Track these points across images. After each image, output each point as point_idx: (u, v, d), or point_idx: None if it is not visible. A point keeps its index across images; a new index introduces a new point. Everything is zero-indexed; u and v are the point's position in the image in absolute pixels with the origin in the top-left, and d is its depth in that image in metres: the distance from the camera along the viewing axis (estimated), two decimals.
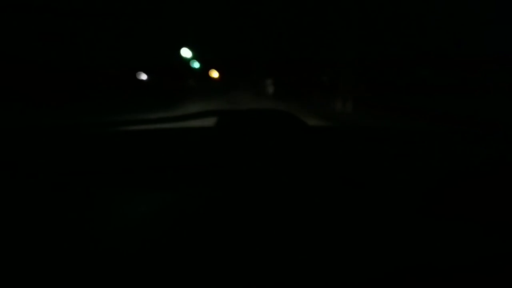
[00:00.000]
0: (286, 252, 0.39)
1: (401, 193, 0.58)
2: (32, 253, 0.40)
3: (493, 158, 0.77)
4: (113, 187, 0.64)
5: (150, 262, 0.37)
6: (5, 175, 0.71)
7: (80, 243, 0.41)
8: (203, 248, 0.40)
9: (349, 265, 0.36)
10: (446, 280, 0.34)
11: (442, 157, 0.80)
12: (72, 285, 0.34)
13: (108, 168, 0.75)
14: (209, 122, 0.93)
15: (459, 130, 1.05)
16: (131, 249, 0.40)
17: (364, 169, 0.72)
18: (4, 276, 0.36)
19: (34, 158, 0.79)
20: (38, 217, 0.50)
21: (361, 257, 0.38)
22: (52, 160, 0.80)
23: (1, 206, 0.56)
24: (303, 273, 0.35)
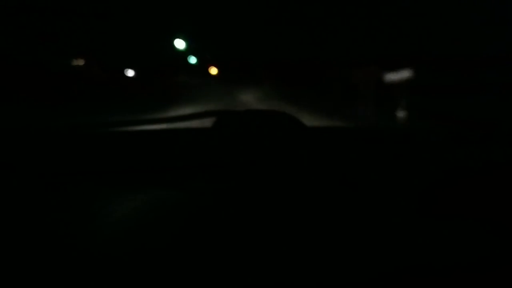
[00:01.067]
0: (286, 252, 0.39)
1: (400, 193, 0.58)
2: (30, 252, 0.40)
3: (493, 158, 0.77)
4: (111, 187, 0.64)
5: (148, 261, 0.37)
6: (3, 175, 0.71)
7: (79, 243, 0.41)
8: (201, 249, 0.40)
9: (349, 265, 0.36)
10: (446, 280, 0.34)
11: (442, 157, 0.80)
12: (69, 285, 0.34)
13: (106, 168, 0.75)
14: (208, 123, 0.93)
15: (459, 130, 1.05)
16: (130, 248, 0.40)
17: (363, 170, 0.72)
18: None
19: (32, 158, 0.79)
20: (36, 217, 0.50)
21: (361, 257, 0.38)
22: (50, 160, 0.79)
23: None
24: (303, 273, 0.35)
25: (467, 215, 0.49)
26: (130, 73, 7.25)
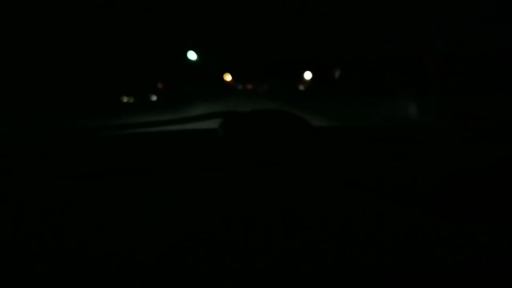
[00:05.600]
0: (288, 252, 0.39)
1: (404, 193, 0.58)
2: (30, 254, 0.40)
3: (495, 158, 0.77)
4: (116, 190, 0.64)
5: (149, 264, 0.37)
6: (5, 177, 0.71)
7: (79, 246, 0.42)
8: (205, 251, 0.40)
9: (352, 265, 0.36)
10: (449, 281, 0.34)
11: (445, 157, 0.79)
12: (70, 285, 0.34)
13: (111, 171, 0.75)
14: (214, 123, 0.93)
15: (462, 129, 1.05)
16: (132, 252, 0.40)
17: (369, 169, 0.72)
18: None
19: (35, 161, 0.80)
20: (35, 219, 0.51)
21: (364, 257, 0.38)
22: (54, 162, 0.80)
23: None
24: (305, 272, 0.35)
25: (471, 215, 0.49)
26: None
